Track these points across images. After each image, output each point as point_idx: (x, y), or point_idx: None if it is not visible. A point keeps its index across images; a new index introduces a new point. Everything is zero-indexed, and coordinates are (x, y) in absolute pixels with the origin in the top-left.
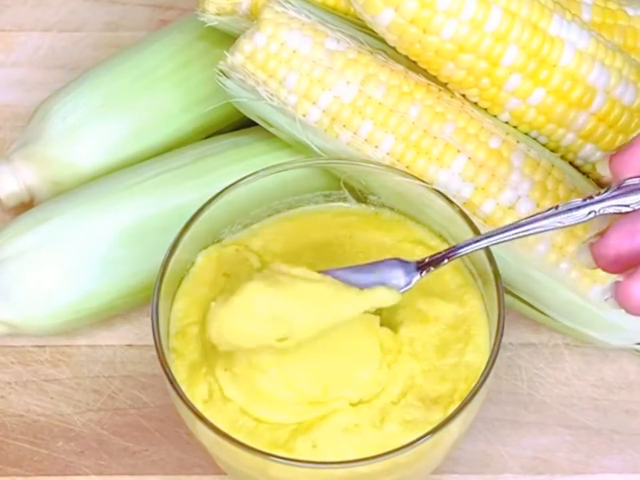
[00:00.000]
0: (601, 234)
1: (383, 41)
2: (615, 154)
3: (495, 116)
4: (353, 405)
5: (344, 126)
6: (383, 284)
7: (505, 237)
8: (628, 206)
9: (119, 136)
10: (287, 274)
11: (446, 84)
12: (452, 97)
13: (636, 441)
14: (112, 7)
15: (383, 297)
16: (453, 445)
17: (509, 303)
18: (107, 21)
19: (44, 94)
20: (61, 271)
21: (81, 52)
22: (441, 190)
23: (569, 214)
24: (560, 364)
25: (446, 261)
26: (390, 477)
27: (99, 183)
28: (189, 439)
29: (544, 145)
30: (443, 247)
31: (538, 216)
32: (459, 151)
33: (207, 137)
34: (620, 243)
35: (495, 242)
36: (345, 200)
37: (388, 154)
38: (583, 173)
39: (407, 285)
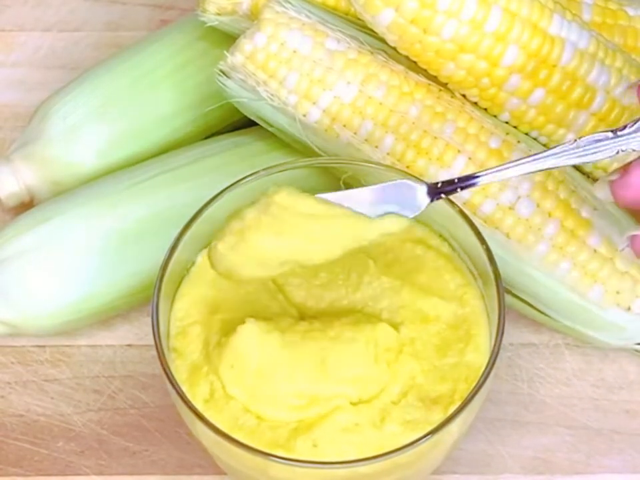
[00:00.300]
0: (623, 169)
1: (383, 41)
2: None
3: (495, 116)
4: (353, 404)
5: (344, 126)
6: (394, 206)
7: (522, 168)
8: None
9: (119, 136)
10: (292, 208)
11: (446, 84)
12: (452, 97)
13: (636, 441)
14: (112, 6)
15: (392, 225)
16: (453, 445)
17: (509, 303)
18: (107, 21)
19: (44, 94)
20: (61, 271)
21: (81, 52)
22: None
23: (593, 146)
24: (560, 364)
25: (459, 190)
26: (390, 477)
27: (98, 183)
28: (189, 439)
29: (544, 145)
30: (443, 245)
31: (557, 149)
32: (459, 151)
33: (206, 137)
34: None
35: (511, 174)
36: None
37: (388, 154)
38: (584, 174)
39: (417, 209)
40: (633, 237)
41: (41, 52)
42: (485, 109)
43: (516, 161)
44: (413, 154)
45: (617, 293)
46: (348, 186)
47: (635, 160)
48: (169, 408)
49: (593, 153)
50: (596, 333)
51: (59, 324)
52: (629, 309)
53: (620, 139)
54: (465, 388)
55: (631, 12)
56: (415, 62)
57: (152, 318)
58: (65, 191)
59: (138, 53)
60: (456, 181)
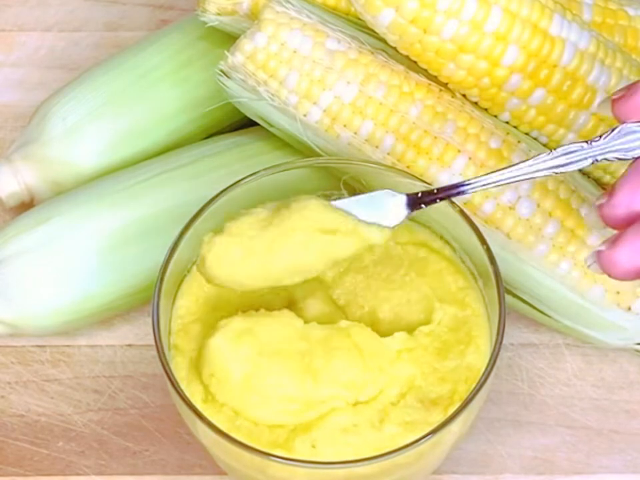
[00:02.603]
0: (608, 194)
1: (383, 41)
2: (618, 98)
3: (495, 116)
4: (352, 405)
5: (344, 126)
6: (375, 217)
7: (498, 180)
8: (627, 151)
9: (119, 136)
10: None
11: (446, 84)
12: (452, 96)
13: (636, 441)
14: (112, 6)
15: (374, 236)
16: (453, 445)
17: (509, 303)
18: (107, 21)
19: (44, 94)
20: (61, 271)
21: (81, 52)
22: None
23: (568, 156)
24: (560, 364)
25: (438, 201)
26: (389, 477)
27: (98, 183)
28: (189, 439)
29: (545, 145)
30: (445, 248)
31: (531, 161)
32: (459, 150)
33: (207, 137)
34: (629, 199)
35: (487, 185)
36: None
37: (388, 154)
38: (584, 174)
39: (397, 221)
40: (598, 253)
41: (41, 52)
42: (486, 109)
43: (495, 172)
44: (413, 154)
45: (617, 293)
46: (348, 187)
47: (619, 180)
48: (169, 408)
49: (568, 164)
50: (596, 333)
51: (59, 324)
52: (629, 309)
53: (594, 149)
54: (465, 389)
55: (631, 12)
56: (415, 62)
57: (152, 318)
58: (64, 191)
59: (138, 53)
60: (435, 191)
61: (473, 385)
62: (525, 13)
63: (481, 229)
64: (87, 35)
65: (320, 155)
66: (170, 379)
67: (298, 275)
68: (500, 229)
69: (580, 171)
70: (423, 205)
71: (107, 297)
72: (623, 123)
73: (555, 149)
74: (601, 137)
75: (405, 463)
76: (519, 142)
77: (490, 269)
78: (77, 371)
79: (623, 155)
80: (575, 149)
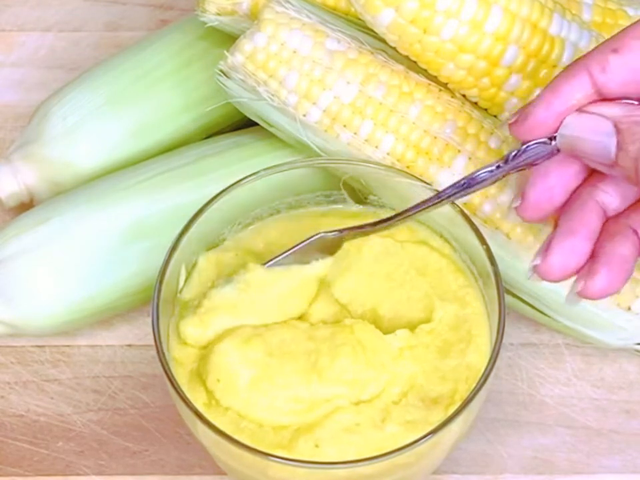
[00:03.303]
0: (520, 195)
1: (383, 41)
2: (513, 122)
3: (495, 116)
4: (354, 404)
5: (344, 126)
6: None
7: (421, 209)
8: (531, 163)
9: (119, 136)
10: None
11: (446, 84)
12: (452, 96)
13: (636, 441)
14: (112, 6)
15: (318, 267)
16: (453, 445)
17: (509, 303)
18: (107, 21)
19: (44, 94)
20: (61, 271)
21: (81, 52)
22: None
23: (480, 185)
24: (560, 364)
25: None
26: (390, 477)
27: (98, 182)
28: (189, 439)
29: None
30: (445, 247)
31: (448, 190)
32: (459, 150)
33: (207, 137)
34: (539, 201)
35: (409, 215)
36: (345, 201)
37: (388, 154)
38: None
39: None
40: (534, 267)
41: (41, 52)
42: (485, 109)
43: (414, 207)
44: (413, 154)
45: (617, 293)
46: (348, 187)
47: (528, 183)
48: (169, 408)
49: (482, 181)
50: (596, 333)
51: (59, 324)
52: (629, 309)
53: (507, 167)
54: (466, 388)
55: (630, 12)
56: (415, 62)
57: (152, 318)
58: (64, 191)
59: (138, 53)
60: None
61: (474, 385)
62: (524, 12)
63: (481, 229)
64: (86, 35)
65: (320, 155)
66: (170, 379)
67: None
68: (500, 229)
69: None
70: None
71: (107, 296)
72: (522, 141)
73: (475, 172)
74: (507, 159)
75: (406, 462)
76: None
77: (490, 269)
78: (76, 371)
79: (529, 165)
80: (492, 168)
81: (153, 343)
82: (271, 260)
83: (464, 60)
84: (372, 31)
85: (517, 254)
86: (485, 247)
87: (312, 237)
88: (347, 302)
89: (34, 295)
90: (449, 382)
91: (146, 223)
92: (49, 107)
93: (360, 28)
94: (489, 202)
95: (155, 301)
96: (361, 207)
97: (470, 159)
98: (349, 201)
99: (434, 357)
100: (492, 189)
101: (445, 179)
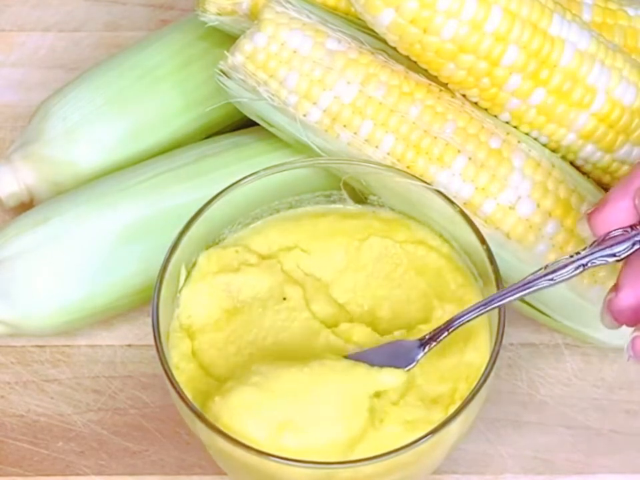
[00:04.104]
0: (614, 290)
1: (383, 41)
2: (592, 212)
3: (495, 116)
4: None
5: (344, 126)
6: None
7: (501, 300)
8: (614, 255)
9: (119, 136)
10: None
11: (446, 84)
12: (452, 97)
13: (636, 441)
14: (112, 6)
15: (389, 378)
16: (453, 445)
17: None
18: (107, 21)
19: (44, 94)
20: (61, 271)
21: (81, 52)
22: (442, 190)
23: (559, 272)
24: (560, 364)
25: (446, 333)
26: (390, 477)
27: (98, 183)
28: (189, 439)
29: (545, 145)
30: (444, 246)
31: (530, 277)
32: (459, 151)
33: (207, 137)
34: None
35: (490, 308)
36: (345, 201)
37: (388, 154)
38: (584, 174)
39: (412, 362)
40: (632, 342)
41: (41, 52)
42: (486, 109)
43: (495, 296)
44: (413, 154)
45: None
46: (348, 187)
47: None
48: (169, 408)
49: (559, 277)
50: (596, 333)
51: (59, 324)
52: None
53: (581, 260)
54: (465, 388)
55: (631, 12)
56: (415, 62)
57: (152, 318)
58: (64, 191)
59: (138, 53)
60: (443, 327)
61: (474, 384)
62: (524, 13)
63: (481, 228)
64: (86, 35)
65: (320, 155)
66: (170, 379)
67: None
68: (500, 229)
69: (580, 170)
70: (433, 343)
71: (107, 296)
72: (601, 234)
73: (544, 267)
74: (585, 248)
75: (406, 462)
76: (518, 142)
77: (490, 268)
78: (76, 371)
79: (609, 259)
80: (565, 262)
81: (153, 342)
82: (355, 353)
83: (464, 60)
84: (372, 30)
85: (517, 254)
86: (484, 246)
87: (389, 343)
88: (345, 302)
89: (34, 294)
90: (448, 381)
91: (146, 222)
92: (49, 106)
93: (360, 28)
94: (489, 201)
95: (154, 301)
96: (361, 206)
97: (470, 159)
98: (348, 201)
99: (433, 357)
100: (492, 188)
101: (445, 179)
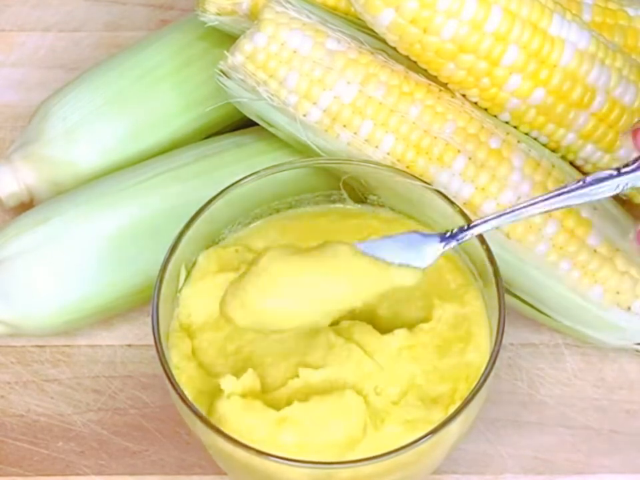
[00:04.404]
0: None
1: (383, 41)
2: (638, 128)
3: (495, 116)
4: None
5: (344, 126)
6: (405, 259)
7: (530, 210)
8: None
9: (119, 136)
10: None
11: (446, 84)
12: (452, 97)
13: (636, 441)
14: (112, 6)
15: (406, 277)
16: (453, 444)
17: (509, 303)
18: (107, 21)
19: (44, 94)
20: (61, 271)
21: (81, 52)
22: (442, 190)
23: (596, 187)
24: (560, 364)
25: (468, 235)
26: (390, 477)
27: (98, 183)
28: (189, 439)
29: (544, 145)
30: None
31: (564, 189)
32: (459, 151)
33: (207, 137)
34: None
35: (520, 216)
36: (345, 200)
37: (388, 154)
38: (584, 174)
39: (430, 259)
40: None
41: (41, 52)
42: (485, 109)
43: (527, 203)
44: (413, 154)
45: (617, 293)
46: (347, 187)
47: None
48: (169, 408)
49: (596, 192)
50: (596, 333)
51: (60, 324)
52: (629, 309)
53: (623, 177)
54: (465, 387)
55: (631, 12)
56: (415, 62)
57: (152, 318)
58: (64, 191)
59: (138, 53)
60: (466, 227)
61: (474, 384)
62: (524, 13)
63: None
64: (86, 35)
65: (320, 155)
66: (170, 379)
67: (326, 317)
68: (500, 229)
69: (580, 170)
70: (455, 241)
71: (107, 296)
72: None
73: (584, 178)
74: (627, 165)
75: (406, 462)
76: (518, 142)
77: (490, 269)
78: (76, 371)
79: None
80: (605, 176)
81: (152, 343)
82: (364, 242)
83: (464, 60)
84: (372, 30)
85: (517, 254)
86: (484, 246)
87: (412, 231)
88: None
89: (34, 294)
90: (448, 381)
91: (146, 222)
92: (49, 107)
93: (360, 28)
94: (489, 202)
95: (154, 301)
96: (361, 206)
97: (470, 159)
98: (348, 201)
99: (433, 356)
100: (492, 188)
101: (445, 179)
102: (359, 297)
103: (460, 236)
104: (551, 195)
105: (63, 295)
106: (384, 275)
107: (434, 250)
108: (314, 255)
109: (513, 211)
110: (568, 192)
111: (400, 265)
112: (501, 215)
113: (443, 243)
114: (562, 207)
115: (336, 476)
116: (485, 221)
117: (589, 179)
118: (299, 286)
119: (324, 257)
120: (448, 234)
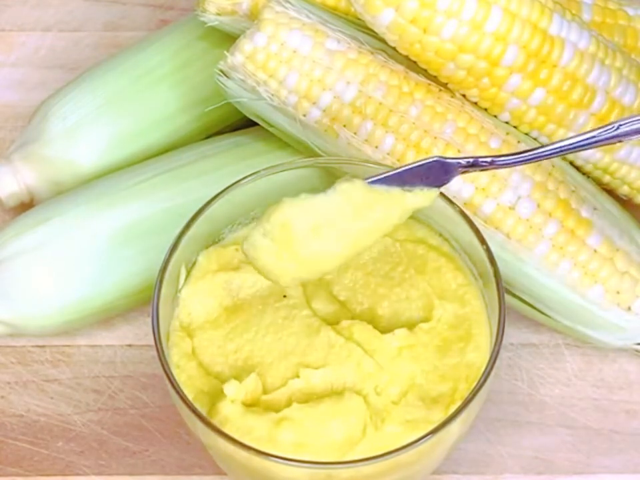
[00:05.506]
0: None
1: (383, 41)
2: None
3: (495, 116)
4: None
5: (344, 126)
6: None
7: (555, 150)
8: None
9: (119, 136)
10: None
11: (446, 84)
12: (452, 97)
13: (636, 441)
14: (112, 6)
15: (421, 198)
16: (453, 444)
17: (509, 303)
18: (107, 21)
19: (44, 94)
20: (61, 271)
21: (81, 52)
22: (441, 190)
23: (628, 137)
24: (560, 364)
25: (487, 166)
26: (391, 476)
27: (98, 182)
28: (189, 439)
29: None
30: (444, 245)
31: (592, 132)
32: (459, 150)
33: (207, 137)
34: None
35: (544, 155)
36: None
37: (388, 154)
38: (584, 174)
39: (445, 182)
40: None
41: (41, 52)
42: (485, 109)
43: (542, 147)
44: (413, 154)
45: (617, 292)
46: None
47: None
48: (169, 408)
49: (627, 134)
50: (596, 333)
51: (59, 324)
52: (629, 309)
53: None
54: (466, 387)
55: (630, 12)
56: (415, 62)
57: (152, 318)
58: (64, 191)
59: (138, 53)
60: (486, 160)
61: (474, 384)
62: (524, 12)
63: (481, 229)
64: (86, 35)
65: (320, 155)
66: (170, 380)
67: (341, 258)
68: (500, 229)
69: (580, 170)
70: (471, 170)
71: (107, 296)
72: None
73: (613, 128)
74: None
75: (406, 462)
76: (518, 142)
77: (490, 269)
78: (76, 371)
79: None
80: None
81: (152, 343)
82: (374, 176)
83: (464, 60)
84: (372, 31)
85: (517, 254)
86: (484, 247)
87: (426, 159)
88: (345, 299)
89: (34, 295)
90: (448, 381)
91: (146, 222)
92: (49, 107)
93: (360, 28)
94: (489, 202)
95: (154, 301)
96: None
97: None
98: None
99: (433, 356)
100: (493, 188)
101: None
102: (382, 228)
103: (481, 164)
104: (581, 137)
105: (62, 295)
106: (400, 200)
107: (452, 174)
108: (330, 195)
109: (538, 149)
110: (596, 138)
111: (416, 190)
112: (521, 158)
113: (462, 169)
114: (590, 148)
115: (336, 476)
116: (506, 158)
117: (621, 126)
118: (330, 227)
119: (341, 196)
120: (466, 162)
